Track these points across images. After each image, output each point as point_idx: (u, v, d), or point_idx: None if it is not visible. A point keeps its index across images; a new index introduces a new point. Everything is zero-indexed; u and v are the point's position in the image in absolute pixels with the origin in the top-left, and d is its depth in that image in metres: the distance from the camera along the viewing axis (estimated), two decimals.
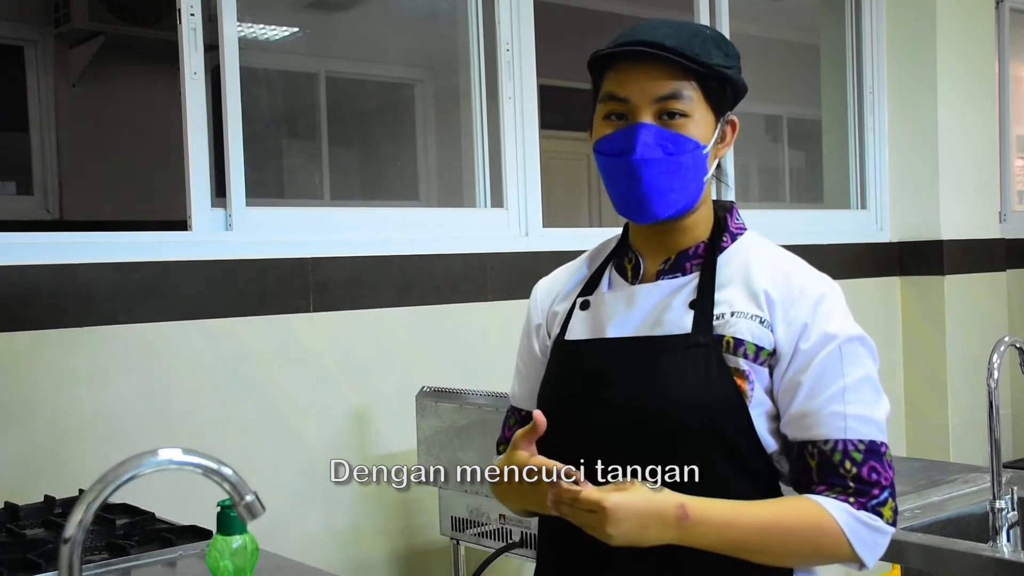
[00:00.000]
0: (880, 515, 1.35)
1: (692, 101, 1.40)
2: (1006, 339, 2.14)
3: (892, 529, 1.37)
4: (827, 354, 1.38)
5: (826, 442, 1.36)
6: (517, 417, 1.61)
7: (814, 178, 4.98)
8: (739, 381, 1.38)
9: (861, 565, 1.37)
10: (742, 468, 1.39)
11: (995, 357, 2.09)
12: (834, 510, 1.34)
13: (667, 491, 1.31)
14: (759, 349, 1.38)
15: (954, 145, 4.33)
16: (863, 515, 1.34)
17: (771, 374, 1.40)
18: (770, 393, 1.40)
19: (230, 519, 1.40)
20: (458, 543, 2.83)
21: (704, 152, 1.42)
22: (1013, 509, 2.03)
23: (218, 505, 1.40)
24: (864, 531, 1.34)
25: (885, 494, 1.36)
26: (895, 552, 2.10)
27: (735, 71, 1.45)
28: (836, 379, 1.37)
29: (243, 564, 1.40)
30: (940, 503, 2.33)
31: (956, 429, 4.26)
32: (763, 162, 6.34)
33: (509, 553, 2.64)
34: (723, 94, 1.44)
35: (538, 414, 1.36)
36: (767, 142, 6.38)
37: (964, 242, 4.35)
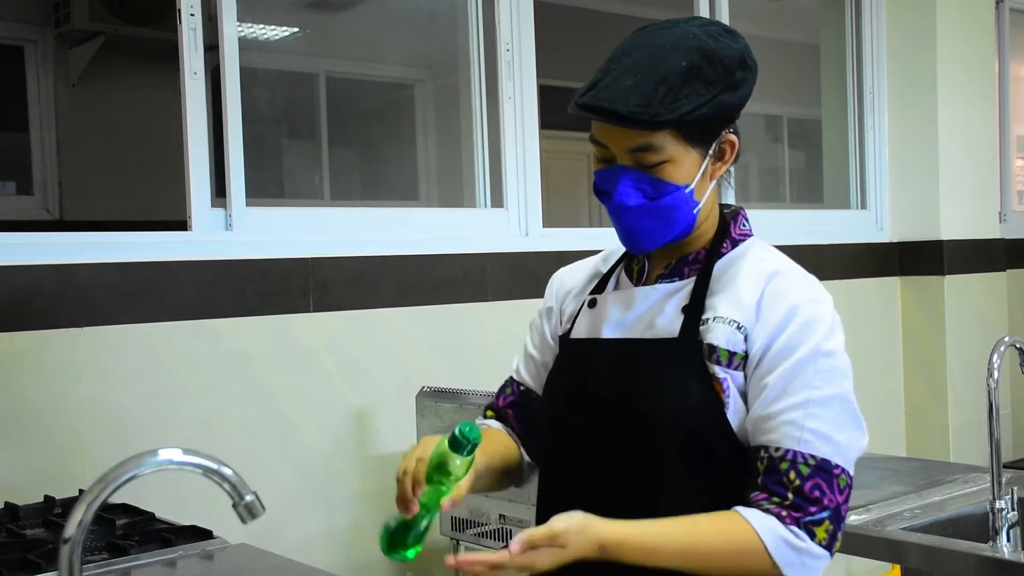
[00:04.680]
0: (812, 534, 1.31)
1: (666, 149, 1.37)
2: (1006, 339, 2.14)
3: (825, 553, 1.32)
4: (796, 361, 1.35)
5: (777, 449, 1.34)
6: (514, 389, 1.66)
7: (814, 178, 4.98)
8: (716, 386, 1.38)
9: None
10: (720, 469, 1.39)
11: (995, 357, 2.09)
12: (761, 529, 1.31)
13: (593, 523, 1.29)
14: (732, 354, 1.38)
15: (954, 145, 4.33)
16: (790, 534, 1.31)
17: (746, 379, 1.39)
18: (744, 396, 1.39)
19: (461, 442, 1.31)
20: (458, 543, 2.83)
21: (688, 191, 1.40)
22: (1013, 509, 2.03)
23: (454, 432, 1.31)
24: (790, 553, 1.31)
25: (824, 514, 1.32)
26: (895, 552, 2.10)
27: (716, 102, 1.36)
28: (803, 389, 1.35)
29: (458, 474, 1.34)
30: (940, 503, 2.33)
31: (956, 429, 4.26)
32: (763, 162, 6.33)
33: None
34: (705, 128, 1.39)
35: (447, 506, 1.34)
36: (767, 142, 6.38)
37: (964, 242, 4.35)
